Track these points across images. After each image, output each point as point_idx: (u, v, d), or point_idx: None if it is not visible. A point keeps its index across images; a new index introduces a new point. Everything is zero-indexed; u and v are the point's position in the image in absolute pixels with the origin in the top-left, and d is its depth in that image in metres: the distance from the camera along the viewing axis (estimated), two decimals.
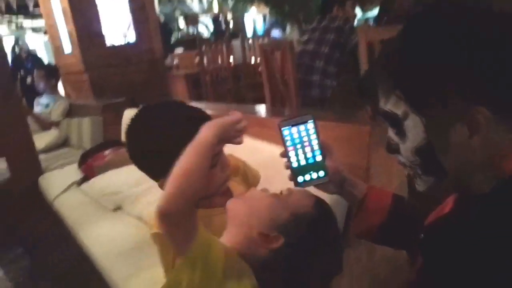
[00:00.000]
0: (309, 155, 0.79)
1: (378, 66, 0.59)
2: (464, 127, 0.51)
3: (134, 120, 0.92)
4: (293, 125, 0.79)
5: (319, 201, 0.79)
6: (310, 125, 0.79)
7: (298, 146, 0.79)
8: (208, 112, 2.01)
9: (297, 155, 0.79)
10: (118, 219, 1.65)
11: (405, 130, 0.56)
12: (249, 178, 1.22)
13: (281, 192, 0.80)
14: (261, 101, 3.03)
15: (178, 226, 0.62)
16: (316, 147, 0.79)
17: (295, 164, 0.79)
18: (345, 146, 1.38)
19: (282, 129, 0.79)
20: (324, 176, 0.79)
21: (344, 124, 1.40)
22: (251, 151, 1.55)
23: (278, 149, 1.56)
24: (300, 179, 0.80)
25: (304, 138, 0.79)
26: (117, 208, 1.74)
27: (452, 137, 0.52)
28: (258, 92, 3.50)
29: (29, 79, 5.22)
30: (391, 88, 0.56)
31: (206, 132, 0.67)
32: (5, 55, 2.53)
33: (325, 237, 0.76)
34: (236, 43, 4.64)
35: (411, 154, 0.57)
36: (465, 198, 0.60)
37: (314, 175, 0.79)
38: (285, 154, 0.80)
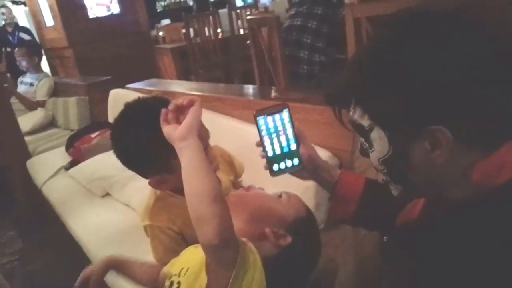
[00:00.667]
0: (284, 144, 0.81)
1: (344, 78, 0.58)
2: (426, 142, 0.51)
3: (117, 122, 0.92)
4: (268, 115, 0.80)
5: (305, 204, 0.86)
6: (285, 114, 0.80)
7: (273, 135, 0.80)
8: (198, 94, 1.98)
9: (272, 144, 0.81)
10: (107, 206, 1.66)
11: (371, 141, 0.57)
12: (236, 167, 1.24)
13: (280, 195, 0.84)
14: (251, 74, 2.99)
15: (229, 247, 0.64)
16: (290, 135, 0.81)
17: (270, 153, 0.81)
18: (331, 129, 1.38)
19: (257, 118, 0.80)
20: (298, 164, 0.82)
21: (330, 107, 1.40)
22: (238, 135, 1.55)
23: None
24: (275, 167, 0.81)
25: (279, 128, 0.81)
26: (106, 195, 1.74)
27: (414, 151, 0.53)
28: (248, 64, 3.44)
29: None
30: (355, 101, 0.56)
31: (190, 143, 0.66)
32: None
33: (316, 237, 0.84)
34: (224, 13, 4.51)
35: (378, 164, 0.58)
36: (433, 205, 0.61)
37: (289, 163, 0.81)
38: (260, 144, 0.81)
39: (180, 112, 0.72)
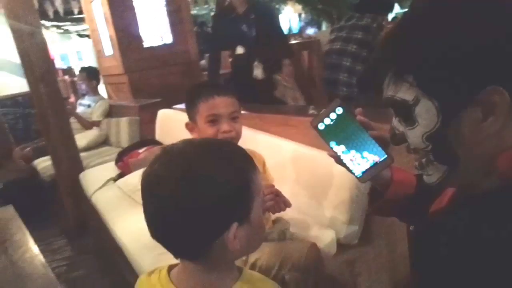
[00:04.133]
0: (357, 140, 0.71)
1: (386, 53, 0.56)
2: (478, 109, 0.48)
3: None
4: (325, 117, 0.73)
5: None
6: (340, 110, 0.72)
7: (341, 135, 0.72)
8: (242, 112, 2.09)
9: (345, 145, 0.72)
10: None
11: (415, 116, 0.54)
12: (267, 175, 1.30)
13: None
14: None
15: None
16: (357, 129, 0.71)
17: (345, 157, 0.73)
18: None
19: (317, 127, 0.74)
20: (385, 158, 0.69)
21: None
22: (275, 150, 1.60)
23: (298, 147, 1.58)
24: (358, 171, 0.71)
25: (343, 126, 0.72)
26: None
27: (465, 120, 0.50)
28: None
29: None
30: (401, 73, 0.53)
31: None
32: (50, 59, 2.69)
33: None
34: None
35: (422, 140, 0.54)
36: (462, 195, 0.59)
37: (372, 159, 0.70)
38: (333, 154, 0.75)
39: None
